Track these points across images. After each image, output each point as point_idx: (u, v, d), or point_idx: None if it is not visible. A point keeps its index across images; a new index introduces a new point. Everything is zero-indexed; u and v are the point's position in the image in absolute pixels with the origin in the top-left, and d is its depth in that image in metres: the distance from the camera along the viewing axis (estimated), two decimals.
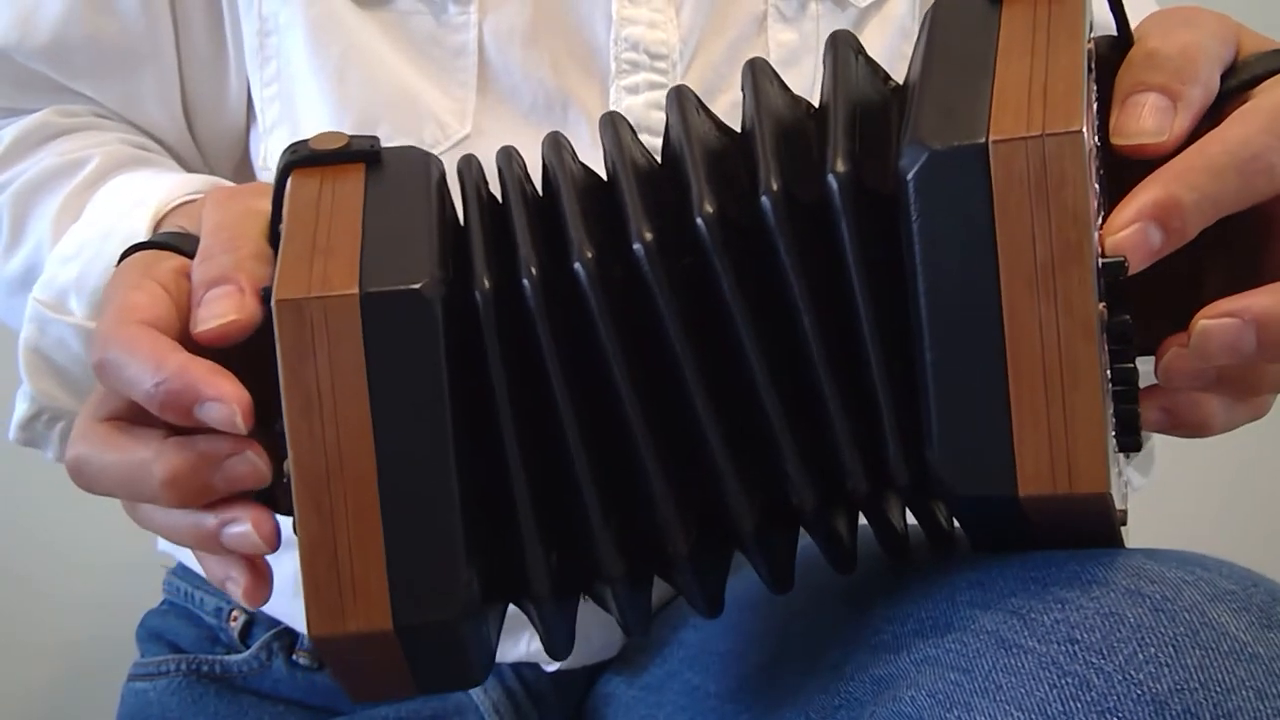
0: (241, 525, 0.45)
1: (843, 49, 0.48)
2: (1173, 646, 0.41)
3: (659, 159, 0.51)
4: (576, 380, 0.46)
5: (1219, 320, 0.43)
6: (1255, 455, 1.20)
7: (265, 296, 0.45)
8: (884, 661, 0.48)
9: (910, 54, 0.50)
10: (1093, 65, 0.45)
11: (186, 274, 0.48)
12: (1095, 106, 0.45)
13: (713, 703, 0.61)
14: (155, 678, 0.76)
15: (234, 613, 0.77)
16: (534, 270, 0.45)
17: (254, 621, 0.76)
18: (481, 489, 0.45)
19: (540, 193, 0.50)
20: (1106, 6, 0.46)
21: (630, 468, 0.47)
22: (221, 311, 0.45)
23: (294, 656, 0.75)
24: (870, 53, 0.50)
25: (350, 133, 0.48)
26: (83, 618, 1.22)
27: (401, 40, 0.67)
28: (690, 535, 0.48)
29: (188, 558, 0.80)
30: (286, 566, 0.72)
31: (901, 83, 0.49)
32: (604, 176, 0.50)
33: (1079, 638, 0.42)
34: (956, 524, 0.50)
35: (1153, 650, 0.41)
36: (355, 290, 0.42)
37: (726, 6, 0.69)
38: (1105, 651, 0.41)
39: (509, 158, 0.50)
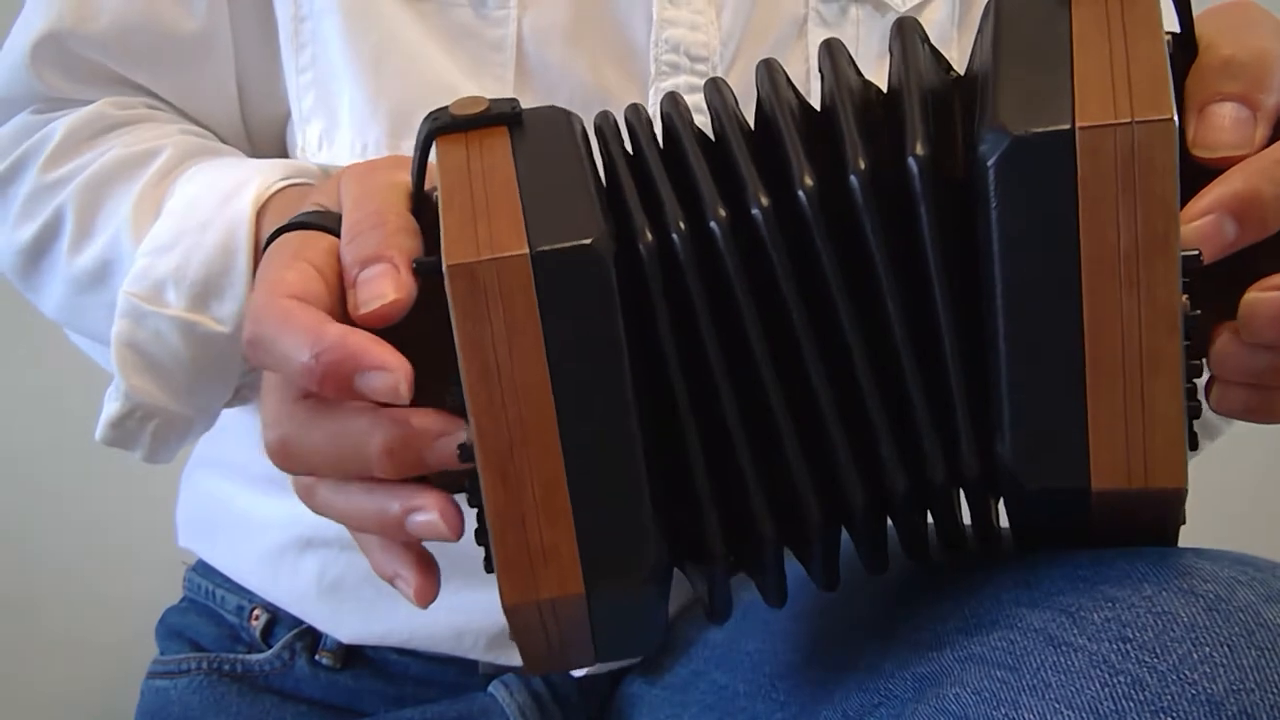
0: (428, 514, 0.45)
1: (910, 35, 0.48)
2: (1228, 646, 0.41)
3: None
4: (723, 337, 0.45)
5: (1270, 293, 0.43)
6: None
7: (417, 269, 0.44)
8: (926, 659, 0.48)
9: (950, 60, 0.50)
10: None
11: (338, 254, 0.47)
12: None
13: (742, 702, 0.61)
14: (175, 676, 0.76)
15: (255, 611, 0.77)
16: (682, 225, 0.45)
17: (276, 621, 0.76)
18: (654, 449, 0.44)
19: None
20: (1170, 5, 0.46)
21: (769, 432, 0.46)
22: (381, 291, 0.44)
23: (316, 656, 0.74)
24: None
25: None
26: (102, 613, 1.21)
27: (439, 31, 0.67)
28: (823, 502, 0.47)
29: (209, 554, 0.80)
30: (311, 566, 0.72)
31: (962, 74, 0.49)
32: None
33: (1131, 636, 0.42)
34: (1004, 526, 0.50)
35: (1207, 650, 0.41)
36: (526, 250, 0.42)
37: (767, 10, 0.69)
38: (1158, 651, 0.41)
39: (638, 115, 0.49)
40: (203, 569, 0.80)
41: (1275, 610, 0.42)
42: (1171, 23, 0.46)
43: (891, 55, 0.49)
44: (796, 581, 0.63)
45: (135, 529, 1.14)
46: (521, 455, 0.42)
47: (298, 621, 0.75)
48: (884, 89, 0.50)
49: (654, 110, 0.67)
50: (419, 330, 0.44)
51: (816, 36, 0.69)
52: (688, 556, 0.48)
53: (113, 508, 1.20)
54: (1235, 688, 0.40)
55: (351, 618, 0.73)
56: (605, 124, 0.50)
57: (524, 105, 0.60)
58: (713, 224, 0.45)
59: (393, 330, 0.44)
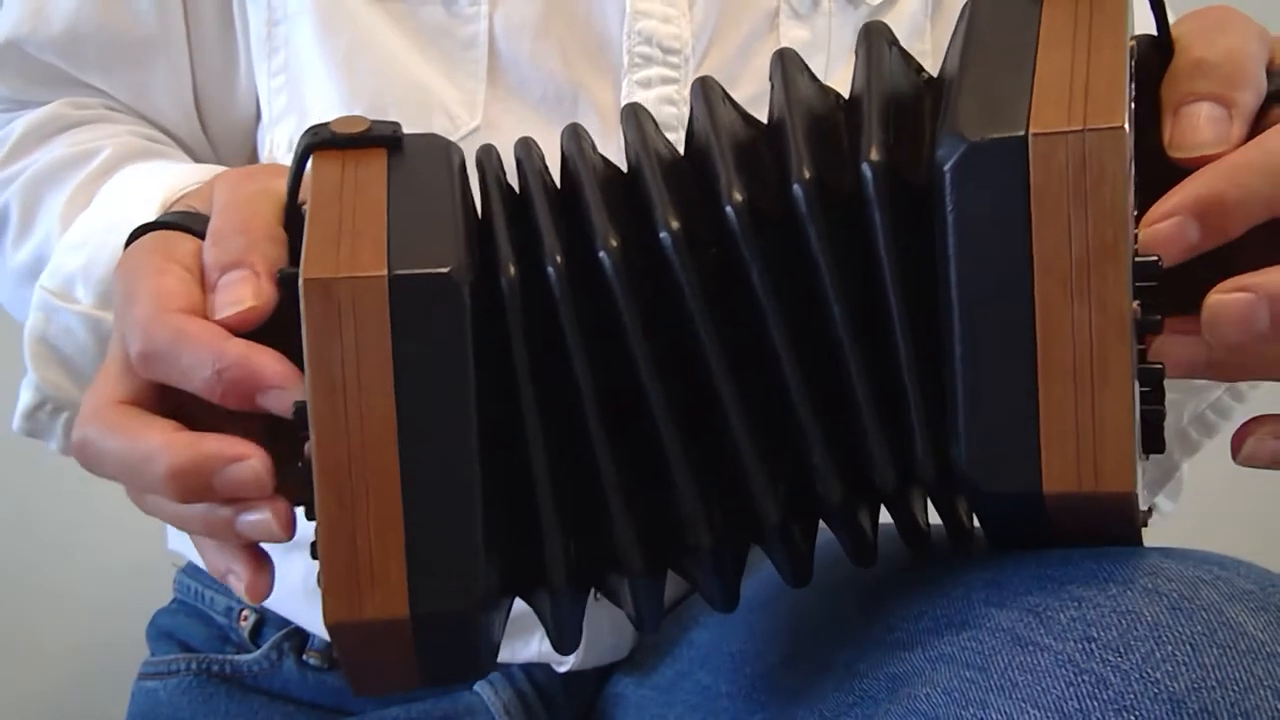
0: (258, 513, 0.45)
1: (876, 40, 0.48)
2: (1190, 645, 0.41)
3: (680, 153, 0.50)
4: (599, 371, 0.45)
5: (1233, 295, 0.42)
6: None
7: (280, 280, 0.45)
8: (898, 659, 0.48)
9: (922, 52, 0.50)
10: (1133, 65, 0.44)
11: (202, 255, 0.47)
12: (1134, 106, 0.44)
13: (725, 703, 0.61)
14: (165, 676, 0.76)
15: (244, 612, 0.77)
16: (558, 258, 0.45)
17: (264, 621, 0.76)
18: (501, 478, 0.44)
19: (560, 184, 0.49)
20: (1147, 6, 0.46)
21: (654, 458, 0.46)
22: (239, 297, 0.45)
23: (304, 657, 0.75)
24: None
25: None
26: (92, 615, 1.22)
27: (411, 31, 0.67)
28: (714, 527, 0.47)
29: (198, 557, 0.80)
30: (297, 566, 0.73)
31: (935, 76, 0.48)
32: (624, 170, 0.49)
33: (1096, 635, 0.42)
34: (977, 522, 0.50)
35: (1170, 649, 0.41)
36: (384, 272, 0.42)
37: (739, 2, 0.69)
38: (1122, 649, 0.41)
39: (528, 149, 0.49)
40: (192, 571, 0.81)
41: (1238, 609, 0.42)
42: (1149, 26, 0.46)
43: (856, 60, 0.49)
44: (779, 583, 0.63)
45: (125, 532, 1.14)
46: (359, 473, 0.42)
47: (285, 622, 0.75)
48: (845, 94, 0.49)
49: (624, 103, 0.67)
50: (283, 342, 0.44)
51: (789, 29, 0.69)
52: (531, 586, 0.48)
53: (103, 510, 1.20)
54: (1196, 685, 0.40)
55: None
56: (487, 158, 0.49)
57: (499, 101, 0.60)
58: (602, 253, 0.45)
59: (256, 338, 0.44)
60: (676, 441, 0.46)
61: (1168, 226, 0.42)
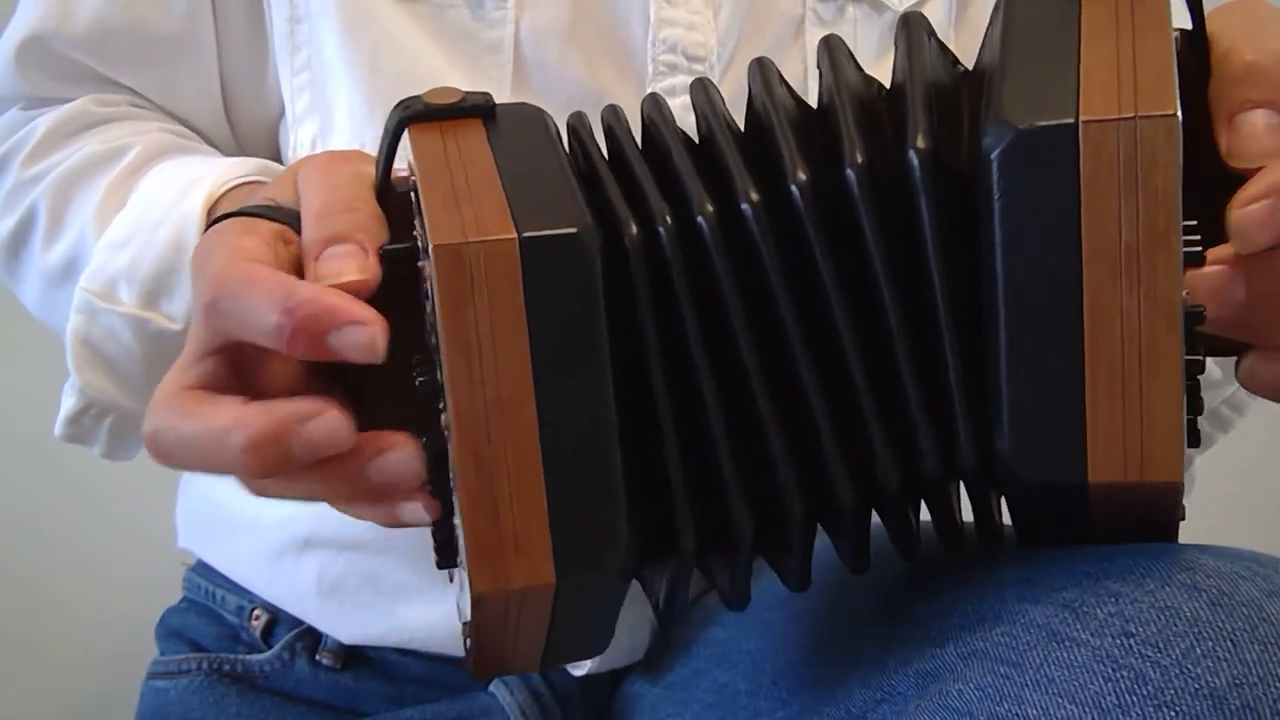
0: (400, 449, 0.43)
1: (915, 30, 0.48)
2: (1230, 641, 0.41)
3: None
4: (709, 333, 0.45)
5: (1255, 205, 0.43)
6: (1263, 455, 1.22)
7: (384, 256, 0.44)
8: (928, 655, 0.48)
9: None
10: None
11: (284, 239, 0.46)
12: None
13: (744, 700, 0.61)
14: (175, 676, 0.76)
15: (255, 611, 0.76)
16: (668, 219, 0.45)
17: (276, 621, 0.76)
18: (629, 441, 0.44)
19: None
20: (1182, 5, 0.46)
21: (753, 427, 0.46)
22: (345, 269, 0.43)
23: (317, 657, 0.74)
24: None
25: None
26: (101, 614, 1.21)
27: (436, 33, 0.67)
28: (805, 498, 0.47)
29: (208, 555, 0.80)
30: (309, 568, 0.73)
31: (970, 68, 0.49)
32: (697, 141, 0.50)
33: (1134, 631, 0.42)
34: (1007, 522, 0.50)
35: (1210, 644, 0.41)
36: (513, 234, 0.41)
37: (764, 9, 0.69)
38: (1161, 645, 0.41)
39: (616, 115, 0.50)
40: (202, 569, 0.80)
41: (1278, 605, 0.42)
42: (1181, 19, 0.46)
43: (896, 50, 0.49)
44: None
45: (135, 530, 1.14)
46: (498, 439, 0.42)
47: (298, 622, 0.75)
48: (886, 85, 0.50)
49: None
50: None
51: (814, 36, 0.69)
52: (658, 555, 0.48)
53: (112, 509, 1.20)
54: (1238, 681, 0.40)
55: (352, 618, 0.73)
56: (580, 123, 0.50)
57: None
58: (700, 219, 0.45)
59: None
60: (771, 406, 0.46)
61: (1261, 209, 0.42)
